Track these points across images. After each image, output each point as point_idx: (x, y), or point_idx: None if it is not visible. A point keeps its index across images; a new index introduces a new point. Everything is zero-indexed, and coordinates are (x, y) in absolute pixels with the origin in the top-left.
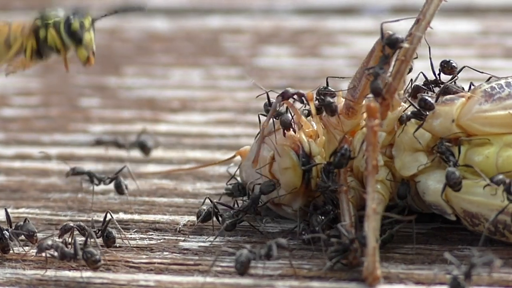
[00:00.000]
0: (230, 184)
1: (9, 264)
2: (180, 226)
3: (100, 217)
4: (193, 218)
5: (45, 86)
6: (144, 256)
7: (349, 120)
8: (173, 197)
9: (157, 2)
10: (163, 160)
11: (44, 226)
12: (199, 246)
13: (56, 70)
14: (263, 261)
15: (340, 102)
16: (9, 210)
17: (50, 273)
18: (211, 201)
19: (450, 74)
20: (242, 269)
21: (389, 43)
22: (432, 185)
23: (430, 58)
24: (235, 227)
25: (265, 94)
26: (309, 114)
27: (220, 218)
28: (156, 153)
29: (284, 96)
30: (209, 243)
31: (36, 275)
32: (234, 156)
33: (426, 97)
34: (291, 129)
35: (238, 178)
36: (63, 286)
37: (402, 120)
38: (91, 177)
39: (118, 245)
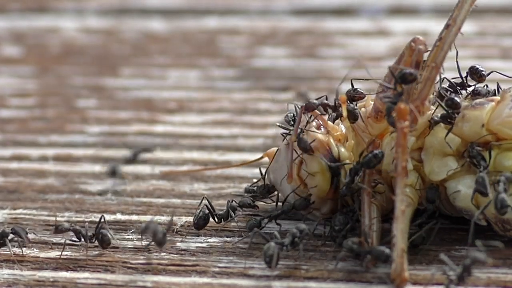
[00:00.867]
0: (254, 186)
1: (6, 265)
2: (177, 227)
3: (97, 218)
4: (191, 219)
5: (41, 87)
6: (141, 257)
7: (377, 123)
8: (170, 198)
9: (153, 3)
10: (161, 161)
11: (42, 227)
12: (196, 247)
13: (52, 71)
14: (290, 250)
15: (368, 105)
16: (6, 211)
17: (48, 274)
18: (209, 202)
19: (478, 82)
20: (272, 262)
21: (403, 80)
22: (462, 190)
23: (457, 62)
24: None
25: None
26: (337, 117)
27: (216, 219)
28: (154, 154)
29: (308, 108)
30: (207, 243)
31: (33, 276)
32: (262, 158)
33: (453, 97)
34: (319, 133)
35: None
36: (60, 287)
37: (431, 124)
38: None
39: (115, 246)
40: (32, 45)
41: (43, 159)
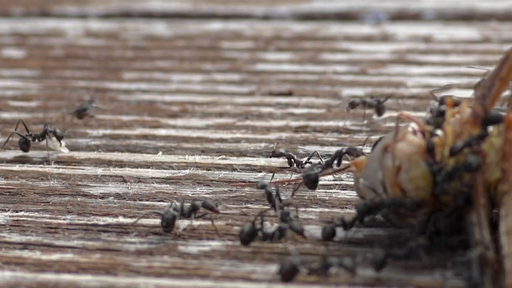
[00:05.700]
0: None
1: (8, 267)
2: (180, 230)
3: (99, 221)
4: (193, 222)
5: (44, 90)
6: (144, 260)
7: (474, 129)
8: (172, 202)
9: (157, 7)
10: (163, 164)
11: (44, 229)
12: (198, 251)
13: (55, 74)
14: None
15: (463, 111)
16: (8, 213)
17: (50, 276)
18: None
19: None
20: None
21: (491, 121)
22: None
23: None
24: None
25: None
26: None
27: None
28: (156, 157)
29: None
30: (209, 247)
31: (35, 278)
32: (349, 166)
33: None
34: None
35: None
36: None
37: None
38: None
39: (118, 249)
40: (35, 48)
41: (46, 161)
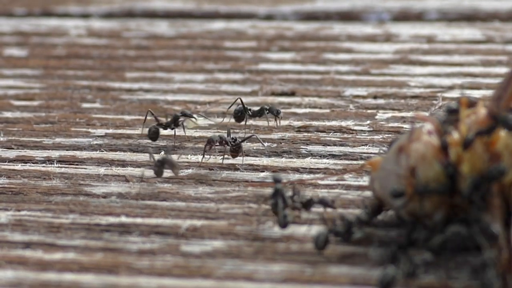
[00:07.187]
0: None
1: (11, 266)
2: (182, 230)
3: (102, 220)
4: (195, 222)
5: (46, 90)
6: (146, 260)
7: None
8: (175, 201)
9: (159, 6)
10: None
11: (46, 229)
12: (201, 250)
13: (58, 74)
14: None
15: (479, 111)
16: (10, 213)
17: (52, 275)
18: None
19: None
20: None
21: (503, 124)
22: None
23: None
24: None
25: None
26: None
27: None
28: (158, 157)
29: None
30: (211, 247)
31: (37, 278)
32: (363, 166)
33: None
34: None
35: None
36: None
37: None
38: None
39: (120, 248)
40: (37, 47)
41: (48, 161)
